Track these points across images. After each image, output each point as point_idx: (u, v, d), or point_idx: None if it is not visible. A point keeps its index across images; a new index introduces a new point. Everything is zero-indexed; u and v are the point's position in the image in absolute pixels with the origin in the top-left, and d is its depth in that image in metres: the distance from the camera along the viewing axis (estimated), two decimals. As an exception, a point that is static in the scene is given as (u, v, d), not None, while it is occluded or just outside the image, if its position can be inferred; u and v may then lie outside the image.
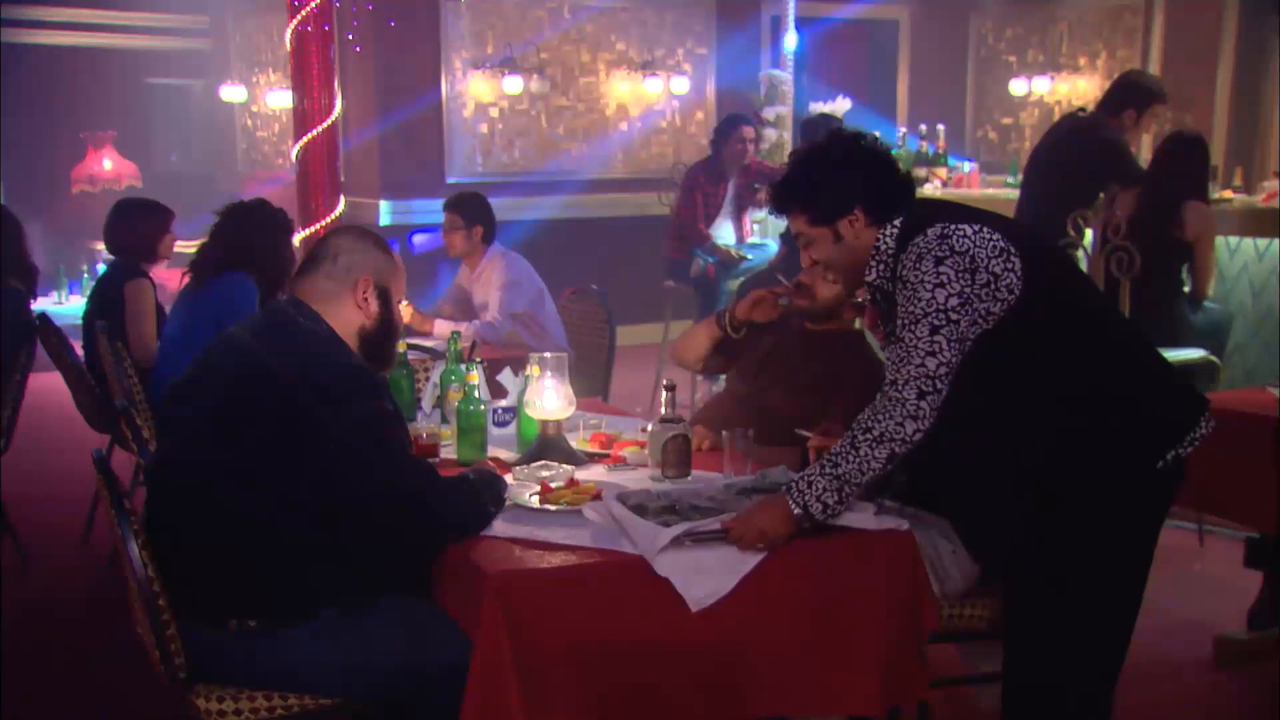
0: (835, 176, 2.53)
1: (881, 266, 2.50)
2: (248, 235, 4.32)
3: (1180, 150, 5.18)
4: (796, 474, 2.67)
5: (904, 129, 7.54)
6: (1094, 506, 2.45)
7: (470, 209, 5.15)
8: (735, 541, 2.41)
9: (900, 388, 2.35)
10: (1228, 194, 5.75)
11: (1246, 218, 5.37)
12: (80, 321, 4.88)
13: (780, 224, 7.86)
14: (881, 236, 2.50)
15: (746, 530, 2.40)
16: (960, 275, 2.34)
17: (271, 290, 4.30)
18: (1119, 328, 2.57)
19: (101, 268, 5.04)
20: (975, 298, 2.35)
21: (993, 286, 2.35)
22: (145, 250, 4.81)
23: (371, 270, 2.60)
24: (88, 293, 5.99)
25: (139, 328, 4.60)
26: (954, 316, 2.33)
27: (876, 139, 2.61)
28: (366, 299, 2.58)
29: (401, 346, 3.43)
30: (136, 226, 4.83)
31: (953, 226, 2.38)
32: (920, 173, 6.61)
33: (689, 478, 2.81)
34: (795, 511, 2.39)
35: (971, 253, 2.35)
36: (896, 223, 2.50)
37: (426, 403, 3.51)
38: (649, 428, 2.95)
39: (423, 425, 3.24)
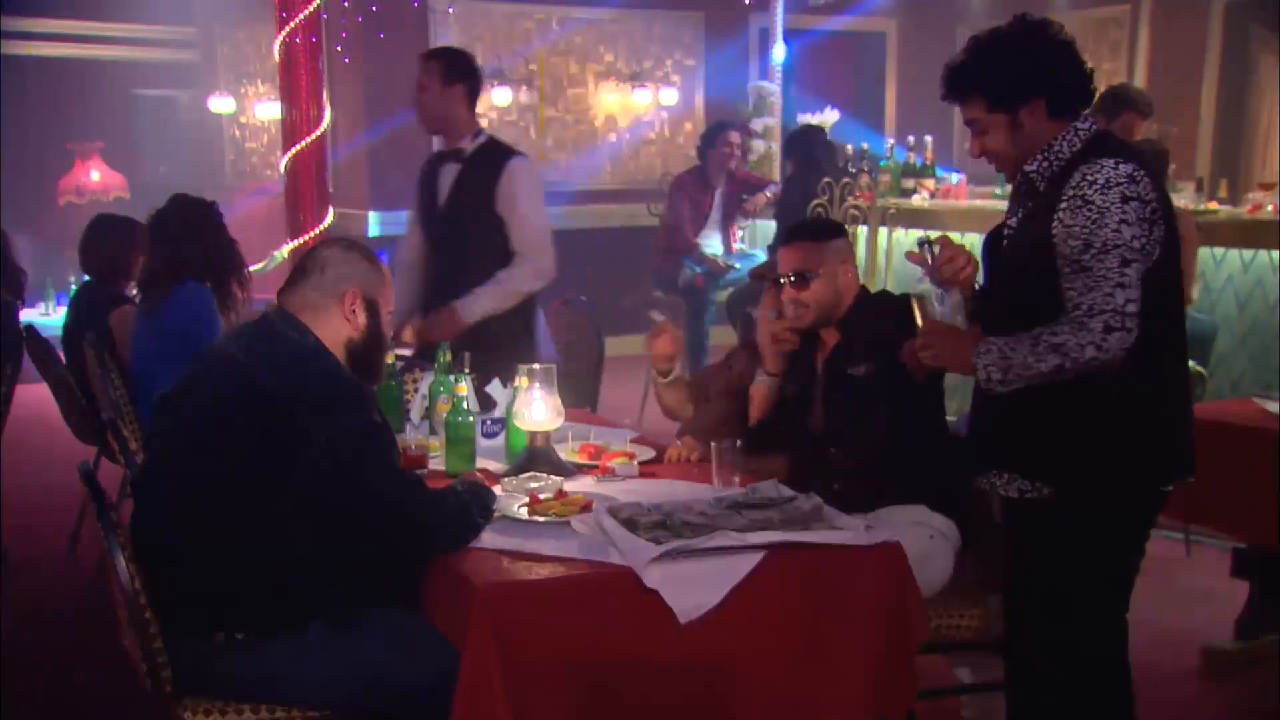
0: (1021, 61, 2.46)
1: (1047, 165, 2.46)
2: (184, 242, 4.25)
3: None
4: (787, 489, 2.69)
5: (892, 140, 7.56)
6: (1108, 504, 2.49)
7: None
8: (914, 350, 2.50)
9: (1089, 315, 2.30)
10: (1213, 205, 5.77)
11: (1232, 229, 5.39)
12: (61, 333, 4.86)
13: (768, 234, 7.90)
14: (1062, 137, 2.45)
15: (931, 349, 2.46)
16: (1140, 221, 2.34)
17: (226, 286, 4.28)
18: (1180, 348, 2.56)
19: (86, 278, 5.01)
20: (1142, 250, 2.35)
21: (1148, 248, 2.36)
22: (119, 268, 4.78)
23: (359, 282, 2.60)
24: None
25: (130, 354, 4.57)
26: (1138, 256, 2.33)
27: (1061, 28, 2.51)
28: (354, 311, 2.58)
29: (390, 358, 3.43)
30: (108, 245, 4.81)
31: (1142, 173, 2.37)
32: (908, 184, 6.64)
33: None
34: (973, 363, 2.41)
35: (1152, 205, 2.36)
36: (1082, 128, 2.46)
37: (415, 414, 3.51)
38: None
39: (411, 437, 3.25)
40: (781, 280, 3.14)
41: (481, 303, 4.04)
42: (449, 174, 4.22)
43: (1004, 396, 2.43)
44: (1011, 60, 2.46)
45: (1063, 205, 2.37)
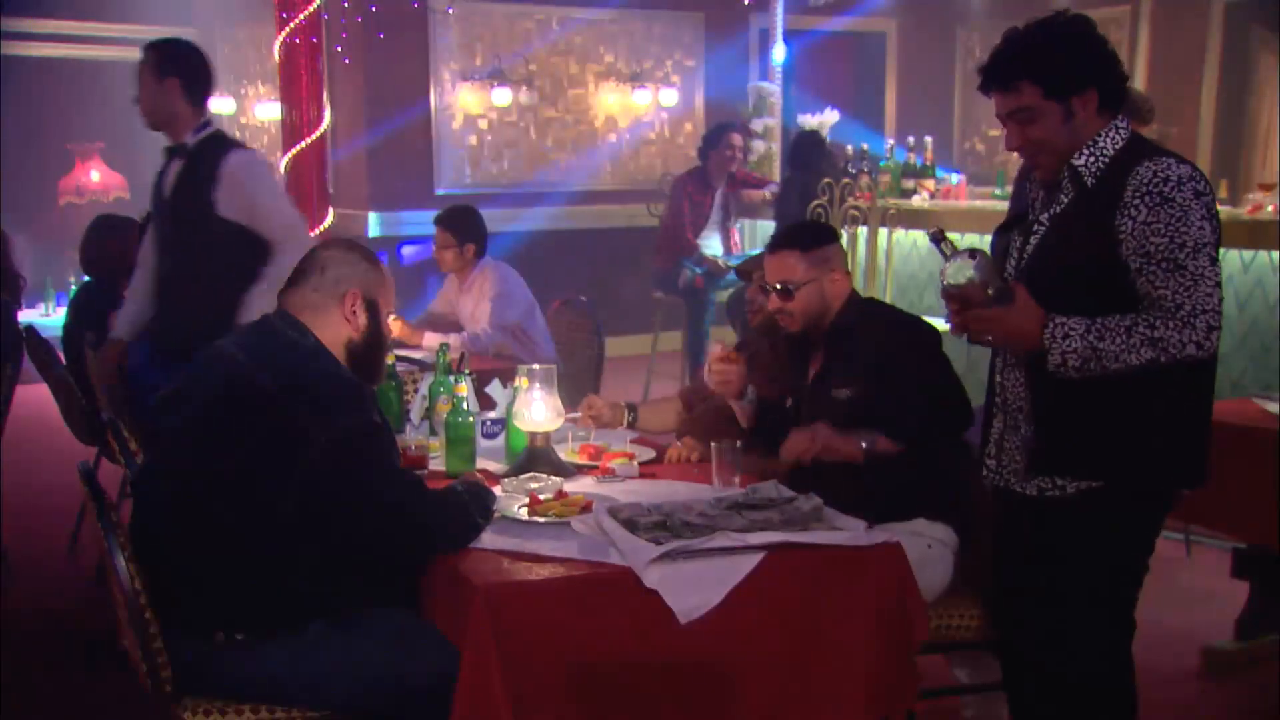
0: (1080, 50, 2.44)
1: (1094, 160, 2.45)
2: None
3: None
4: (787, 489, 2.69)
5: (891, 141, 7.57)
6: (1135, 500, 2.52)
7: (462, 227, 5.10)
8: (965, 326, 2.40)
9: (1193, 315, 2.31)
10: (1213, 206, 5.77)
11: (1232, 230, 5.38)
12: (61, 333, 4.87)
13: (767, 234, 7.89)
14: (1106, 133, 2.45)
15: (994, 329, 2.39)
16: (1213, 218, 2.36)
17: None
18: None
19: (86, 278, 5.02)
20: (1218, 246, 2.37)
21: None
22: (119, 269, 4.79)
23: (359, 283, 2.60)
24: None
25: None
26: (1217, 253, 2.35)
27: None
28: (355, 312, 2.58)
29: (390, 358, 3.43)
30: (109, 245, 4.81)
31: (1200, 171, 2.39)
32: (908, 184, 6.64)
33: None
34: (1044, 342, 2.36)
35: (1209, 200, 2.37)
36: (1122, 127, 2.46)
37: (415, 415, 3.51)
38: None
39: (411, 437, 3.25)
40: (767, 289, 3.11)
41: (258, 305, 3.74)
42: (172, 171, 4.07)
43: (1058, 406, 2.46)
44: (1071, 48, 2.44)
45: (1135, 201, 2.36)
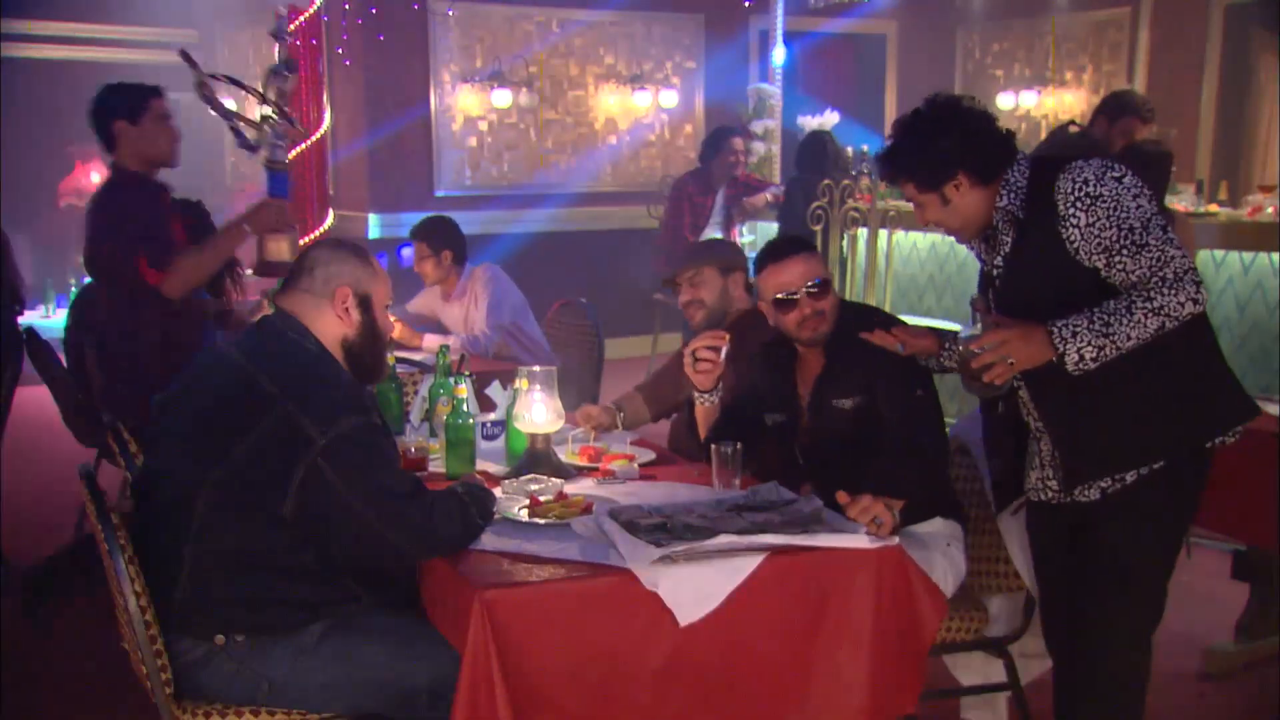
0: (938, 144, 2.59)
1: (1012, 195, 2.58)
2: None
3: (1137, 164, 5.20)
4: (788, 491, 2.68)
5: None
6: (1173, 466, 2.59)
7: (435, 235, 5.12)
8: (982, 363, 2.46)
9: (1178, 279, 2.43)
10: (1213, 208, 5.77)
11: (1232, 231, 5.39)
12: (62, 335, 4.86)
13: (770, 235, 7.88)
14: (1011, 172, 2.59)
15: (998, 356, 2.45)
16: (1142, 191, 2.49)
17: (220, 287, 4.40)
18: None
19: (87, 279, 5.01)
20: (1161, 214, 2.51)
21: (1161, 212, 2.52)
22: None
23: (349, 280, 2.59)
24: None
25: None
26: (1164, 219, 2.48)
27: (974, 100, 2.68)
28: (347, 309, 2.58)
29: (390, 359, 3.43)
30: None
31: (1111, 162, 2.53)
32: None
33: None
34: (1057, 350, 2.44)
35: (1130, 179, 2.50)
36: (1021, 160, 2.60)
37: (415, 416, 3.51)
38: None
39: (411, 439, 3.24)
40: (795, 295, 2.99)
41: None
42: None
43: (1085, 414, 2.56)
44: (928, 145, 2.60)
45: (1070, 212, 2.48)
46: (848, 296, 6.40)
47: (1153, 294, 2.43)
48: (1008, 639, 3.01)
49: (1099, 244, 2.47)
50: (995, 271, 2.68)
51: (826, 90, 9.58)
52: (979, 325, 2.59)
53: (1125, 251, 2.45)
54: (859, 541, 2.48)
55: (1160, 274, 2.44)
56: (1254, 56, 8.82)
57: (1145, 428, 2.58)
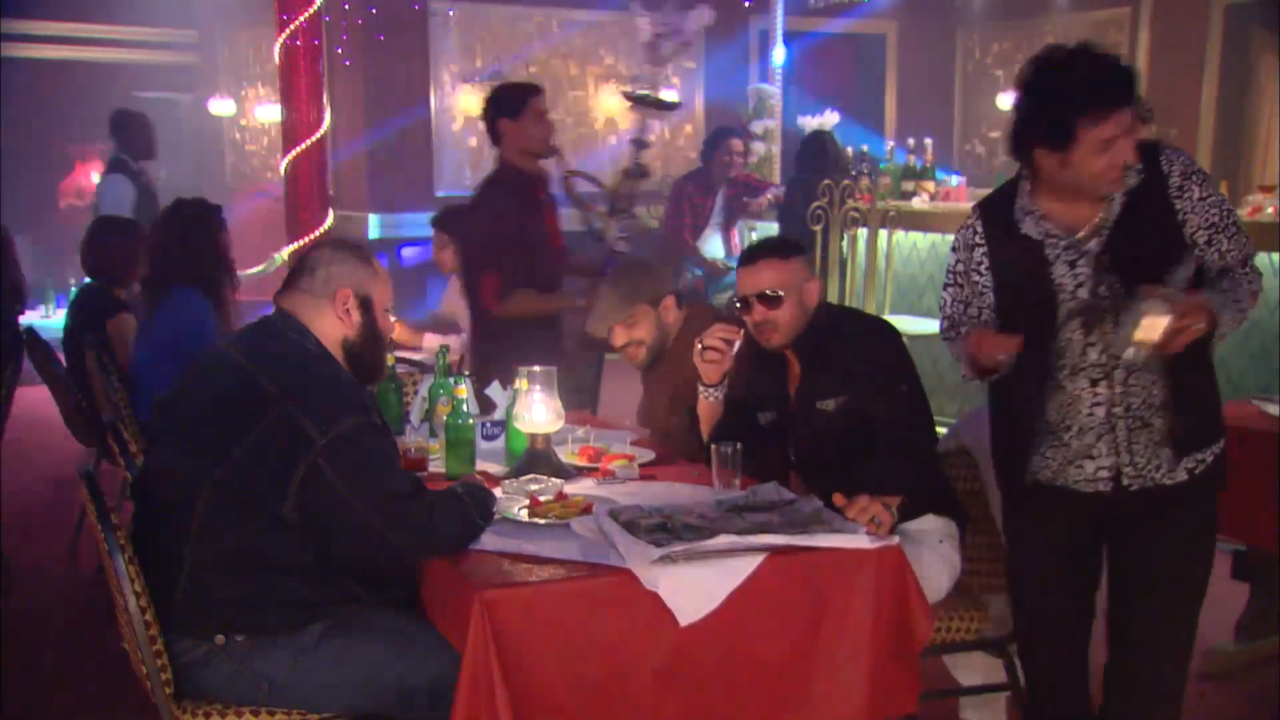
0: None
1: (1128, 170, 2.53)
2: (171, 250, 4.26)
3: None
4: (788, 491, 2.68)
5: (891, 142, 7.57)
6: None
7: (453, 223, 5.11)
8: (1182, 325, 2.38)
9: (1252, 267, 2.58)
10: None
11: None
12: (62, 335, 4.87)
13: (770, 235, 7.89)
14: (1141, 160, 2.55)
15: (1192, 321, 2.38)
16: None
17: (220, 293, 4.27)
18: None
19: (87, 279, 5.02)
20: None
21: None
22: (119, 273, 4.78)
23: (350, 281, 2.59)
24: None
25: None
26: None
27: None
28: (348, 310, 2.58)
29: (390, 360, 3.43)
30: (110, 247, 4.81)
31: None
32: (908, 186, 6.64)
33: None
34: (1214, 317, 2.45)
35: None
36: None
37: (415, 416, 3.51)
38: None
39: (411, 439, 3.24)
40: (750, 300, 2.98)
41: None
42: None
43: (1190, 387, 2.58)
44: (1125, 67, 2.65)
45: (1185, 184, 2.53)
46: (848, 297, 6.41)
47: (1252, 279, 2.56)
48: (1008, 639, 3.01)
49: (1206, 219, 2.53)
50: (1091, 247, 2.53)
51: (826, 90, 9.57)
52: (1133, 318, 2.39)
53: (1227, 232, 2.53)
54: (859, 542, 2.48)
55: (1245, 257, 2.55)
56: (1254, 56, 8.83)
57: (1218, 404, 2.68)
